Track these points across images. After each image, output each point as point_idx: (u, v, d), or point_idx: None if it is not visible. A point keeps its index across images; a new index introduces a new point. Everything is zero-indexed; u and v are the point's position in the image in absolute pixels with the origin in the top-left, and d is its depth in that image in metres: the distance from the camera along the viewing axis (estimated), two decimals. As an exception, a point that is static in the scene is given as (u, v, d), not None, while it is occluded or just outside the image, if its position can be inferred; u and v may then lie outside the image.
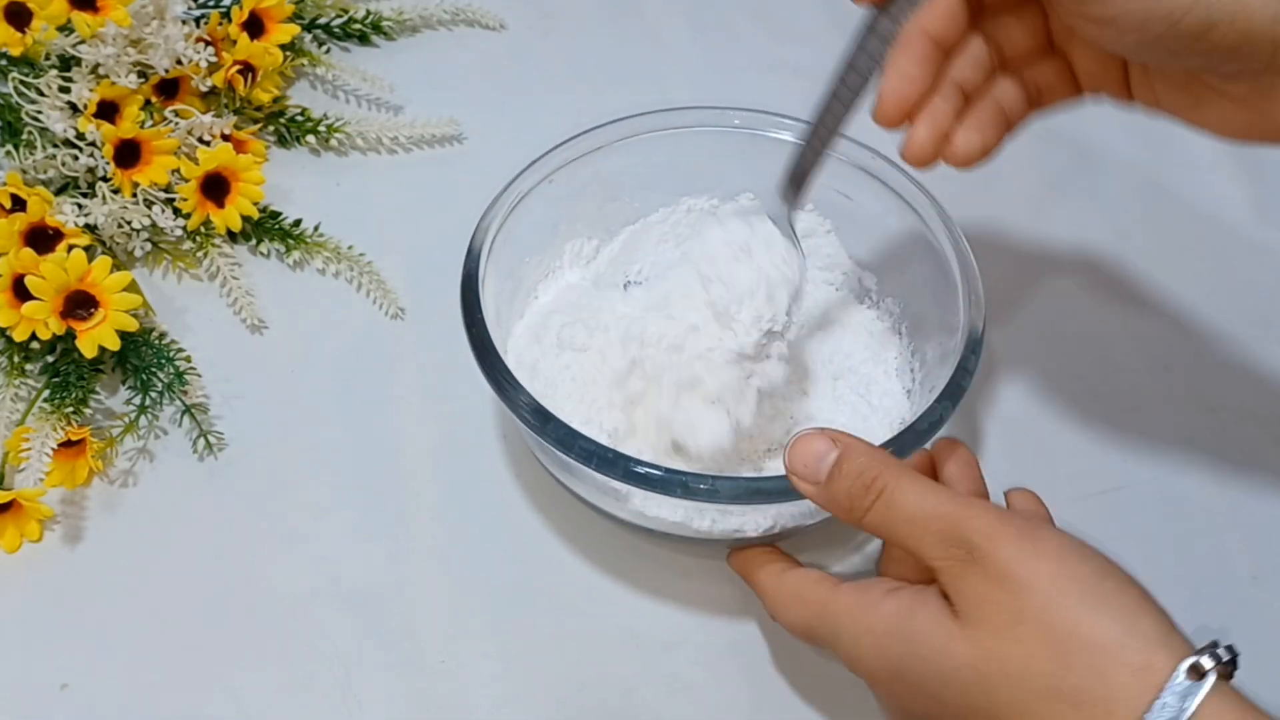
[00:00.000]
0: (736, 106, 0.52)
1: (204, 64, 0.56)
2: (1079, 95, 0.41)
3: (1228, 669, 0.32)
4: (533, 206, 0.49)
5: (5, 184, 0.51)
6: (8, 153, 0.55)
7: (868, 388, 0.49)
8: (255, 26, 0.59)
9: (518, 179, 0.48)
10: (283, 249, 0.56)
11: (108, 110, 0.54)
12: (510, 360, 0.45)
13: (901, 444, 0.41)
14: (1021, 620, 0.33)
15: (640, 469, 0.40)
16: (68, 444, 0.46)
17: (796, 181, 0.44)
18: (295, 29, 0.60)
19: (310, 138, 0.61)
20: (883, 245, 0.51)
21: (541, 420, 0.41)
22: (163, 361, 0.50)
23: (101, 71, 0.55)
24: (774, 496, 0.40)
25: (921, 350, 0.49)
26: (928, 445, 0.42)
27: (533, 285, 0.52)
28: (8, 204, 0.50)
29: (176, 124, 0.55)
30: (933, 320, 0.48)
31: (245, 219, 0.55)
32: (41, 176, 0.54)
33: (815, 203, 0.52)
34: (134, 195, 0.54)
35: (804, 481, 0.38)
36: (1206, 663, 0.31)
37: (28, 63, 0.56)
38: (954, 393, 0.42)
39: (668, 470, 0.40)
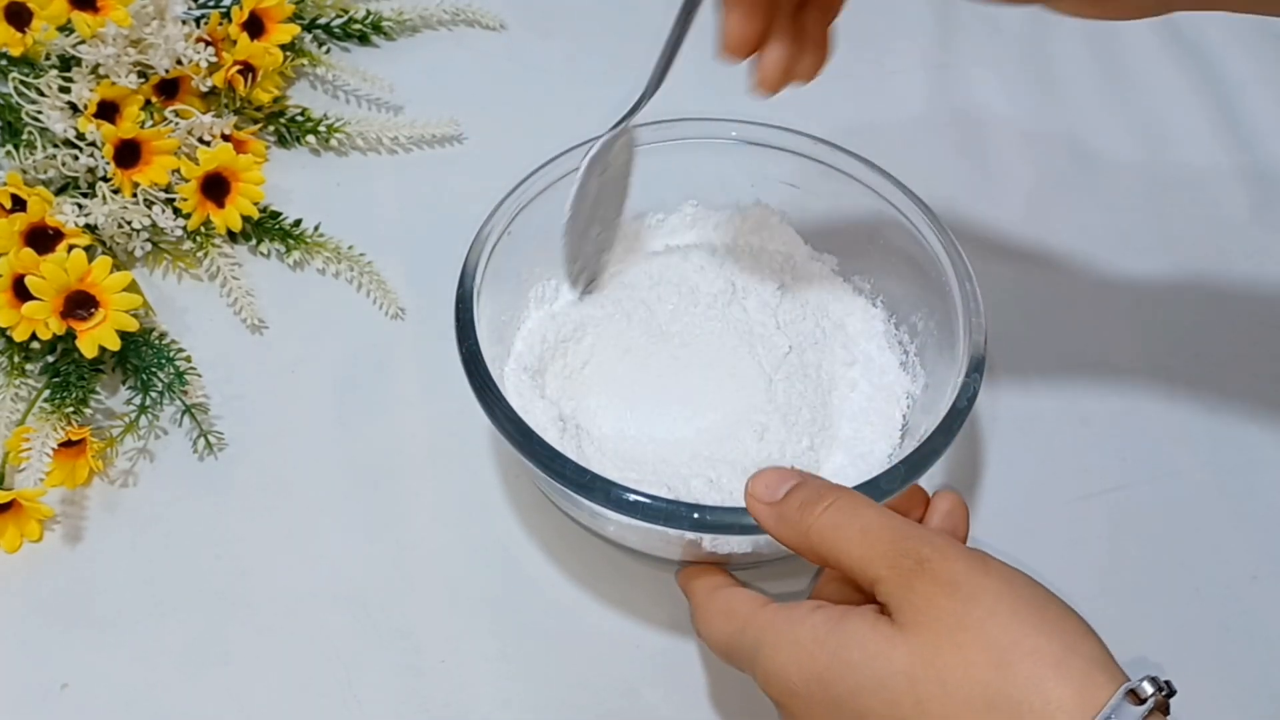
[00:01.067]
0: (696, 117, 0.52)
1: (204, 64, 0.56)
2: None
3: (1164, 700, 0.31)
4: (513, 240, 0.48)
5: (6, 184, 0.51)
6: (8, 153, 0.55)
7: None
8: (255, 27, 0.59)
9: (502, 205, 0.48)
10: (283, 249, 0.56)
11: (108, 110, 0.54)
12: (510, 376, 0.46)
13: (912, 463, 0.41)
14: (964, 627, 0.32)
15: (631, 497, 0.39)
16: (68, 444, 0.46)
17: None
18: (295, 29, 0.60)
19: (310, 138, 0.61)
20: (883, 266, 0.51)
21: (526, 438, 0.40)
22: (163, 361, 0.50)
23: (102, 71, 0.55)
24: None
25: (922, 350, 0.49)
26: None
27: (523, 310, 0.51)
28: (8, 204, 0.50)
29: (177, 124, 0.55)
30: (932, 340, 0.48)
31: (245, 219, 0.55)
32: (42, 176, 0.54)
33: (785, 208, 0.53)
34: (134, 195, 0.54)
35: (758, 502, 0.38)
36: (1146, 688, 0.31)
37: (28, 63, 0.56)
38: (950, 424, 0.42)
39: (658, 499, 0.39)
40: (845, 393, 0.49)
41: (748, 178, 0.52)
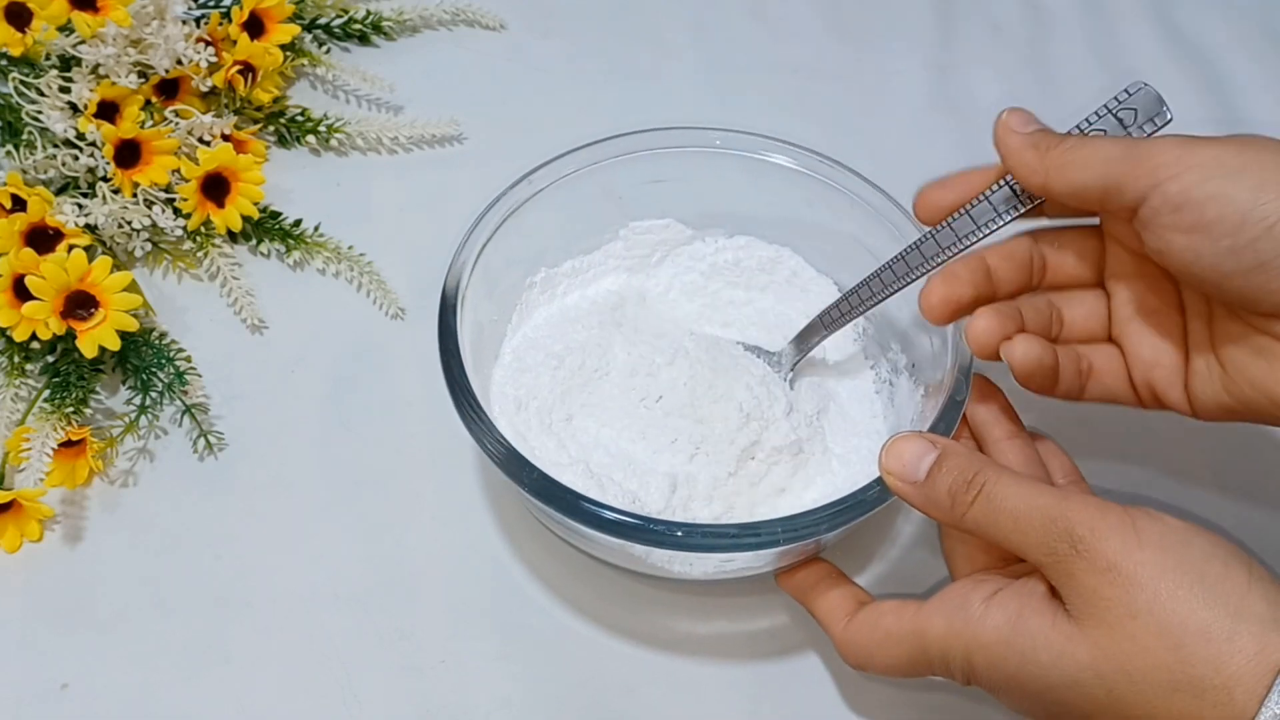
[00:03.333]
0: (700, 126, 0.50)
1: (204, 64, 0.56)
2: (1129, 393, 0.42)
3: None
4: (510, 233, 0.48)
5: (6, 184, 0.51)
6: (8, 153, 0.55)
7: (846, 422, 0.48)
8: (255, 27, 0.59)
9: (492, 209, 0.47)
10: (283, 249, 0.56)
11: (108, 110, 0.54)
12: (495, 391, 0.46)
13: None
14: (1134, 616, 0.33)
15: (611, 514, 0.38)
16: (68, 444, 0.47)
17: (804, 344, 0.48)
18: (295, 29, 0.60)
19: (310, 138, 0.61)
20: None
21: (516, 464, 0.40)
22: (163, 361, 0.50)
23: (102, 71, 0.55)
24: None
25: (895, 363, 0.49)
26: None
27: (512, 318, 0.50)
28: (8, 204, 0.50)
29: (177, 124, 0.55)
30: (924, 358, 0.47)
31: (245, 219, 0.55)
32: (42, 176, 0.54)
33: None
34: (134, 195, 0.54)
35: (900, 481, 0.38)
36: None
37: (28, 63, 0.56)
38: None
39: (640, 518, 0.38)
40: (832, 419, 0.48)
41: (740, 191, 0.51)
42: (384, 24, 0.67)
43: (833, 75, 0.67)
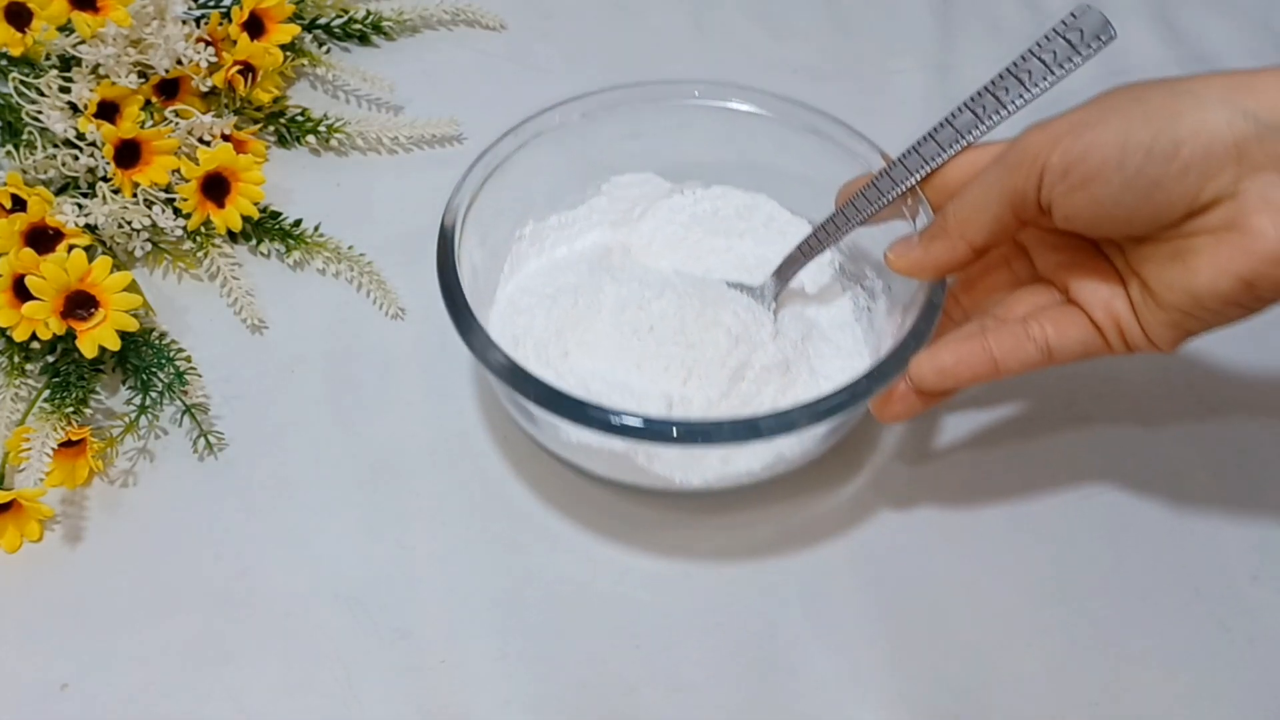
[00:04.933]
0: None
1: (204, 64, 0.56)
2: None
3: None
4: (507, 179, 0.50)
5: (6, 184, 0.51)
6: (8, 153, 0.55)
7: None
8: (255, 27, 0.59)
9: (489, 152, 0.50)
10: (283, 249, 0.56)
11: (108, 110, 0.54)
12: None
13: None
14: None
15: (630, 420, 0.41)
16: (68, 444, 0.47)
17: (785, 275, 0.50)
18: (295, 29, 0.60)
19: (310, 138, 0.61)
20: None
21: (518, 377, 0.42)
22: (163, 361, 0.50)
23: (102, 72, 0.55)
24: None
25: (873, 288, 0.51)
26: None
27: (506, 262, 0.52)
28: (8, 204, 0.50)
29: (177, 124, 0.55)
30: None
31: (245, 219, 0.55)
32: (42, 176, 0.54)
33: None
34: (134, 195, 0.54)
35: (899, 258, 0.43)
36: None
37: (28, 63, 0.56)
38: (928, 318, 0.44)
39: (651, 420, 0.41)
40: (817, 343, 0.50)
41: (715, 141, 0.53)
42: (384, 24, 0.67)
43: (833, 75, 0.67)
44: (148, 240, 0.55)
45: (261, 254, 0.57)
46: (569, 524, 0.48)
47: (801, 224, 0.53)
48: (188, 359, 0.51)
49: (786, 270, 0.50)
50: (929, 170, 0.44)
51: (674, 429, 0.40)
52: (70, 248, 0.49)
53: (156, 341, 0.52)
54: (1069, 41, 0.42)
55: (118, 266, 0.50)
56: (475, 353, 0.43)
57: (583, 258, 0.53)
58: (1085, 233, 0.41)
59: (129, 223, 0.53)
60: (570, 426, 0.42)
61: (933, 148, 0.44)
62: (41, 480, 0.45)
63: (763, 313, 0.49)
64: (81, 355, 0.48)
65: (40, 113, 0.54)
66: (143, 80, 0.56)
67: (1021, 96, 0.42)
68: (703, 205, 0.54)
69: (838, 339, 0.50)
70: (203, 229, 0.55)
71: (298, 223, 0.57)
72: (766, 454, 0.45)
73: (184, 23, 0.57)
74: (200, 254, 0.56)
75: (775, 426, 0.41)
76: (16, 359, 0.50)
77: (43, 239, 0.50)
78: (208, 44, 0.57)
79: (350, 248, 0.56)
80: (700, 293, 0.48)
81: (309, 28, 0.65)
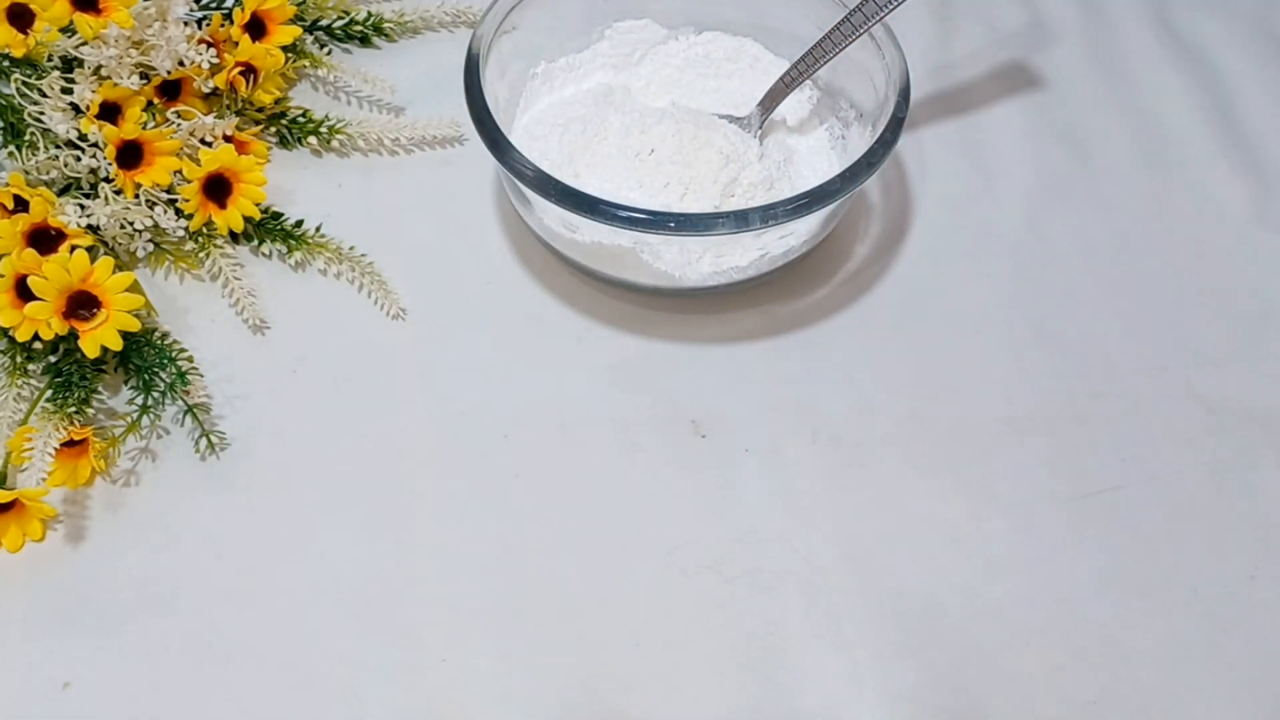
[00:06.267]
0: None
1: (206, 65, 0.56)
2: None
3: None
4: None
5: (8, 185, 0.51)
6: (10, 154, 0.55)
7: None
8: (257, 28, 0.59)
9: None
10: (284, 250, 0.57)
11: (110, 111, 0.54)
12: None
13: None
14: None
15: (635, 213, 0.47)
16: (70, 444, 0.47)
17: (769, 106, 0.57)
18: (297, 31, 0.60)
19: (312, 139, 0.61)
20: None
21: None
22: (165, 361, 0.51)
23: (104, 73, 0.55)
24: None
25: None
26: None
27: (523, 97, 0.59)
28: (10, 205, 0.51)
29: (179, 125, 0.55)
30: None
31: (247, 220, 0.55)
32: (44, 177, 0.54)
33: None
34: (136, 196, 0.54)
35: None
36: None
37: (30, 64, 0.56)
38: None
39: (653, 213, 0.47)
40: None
41: None
42: (385, 25, 0.67)
43: (833, 76, 0.67)
44: (150, 241, 0.55)
45: (263, 254, 0.57)
46: (569, 524, 0.48)
47: (784, 64, 0.58)
48: (189, 359, 0.51)
49: (770, 101, 0.56)
50: (894, 8, 0.50)
51: (671, 220, 0.47)
52: (72, 248, 0.49)
53: (158, 342, 0.52)
54: None
55: (120, 267, 0.50)
56: (505, 164, 0.49)
57: (589, 95, 0.60)
58: None
59: (131, 223, 0.54)
60: (586, 222, 0.49)
61: None
62: (44, 480, 0.46)
63: (750, 138, 0.56)
64: (84, 355, 0.49)
65: (42, 114, 0.54)
66: (145, 81, 0.57)
67: None
68: (695, 50, 0.60)
69: (815, 162, 0.58)
70: (204, 230, 0.55)
71: (299, 223, 0.57)
72: (753, 250, 0.52)
73: (186, 24, 0.57)
74: (202, 254, 0.56)
75: (761, 217, 0.47)
76: (19, 359, 0.50)
77: (45, 239, 0.50)
78: (209, 45, 0.57)
79: (351, 248, 0.56)
80: (694, 120, 0.55)
81: (310, 29, 0.65)
